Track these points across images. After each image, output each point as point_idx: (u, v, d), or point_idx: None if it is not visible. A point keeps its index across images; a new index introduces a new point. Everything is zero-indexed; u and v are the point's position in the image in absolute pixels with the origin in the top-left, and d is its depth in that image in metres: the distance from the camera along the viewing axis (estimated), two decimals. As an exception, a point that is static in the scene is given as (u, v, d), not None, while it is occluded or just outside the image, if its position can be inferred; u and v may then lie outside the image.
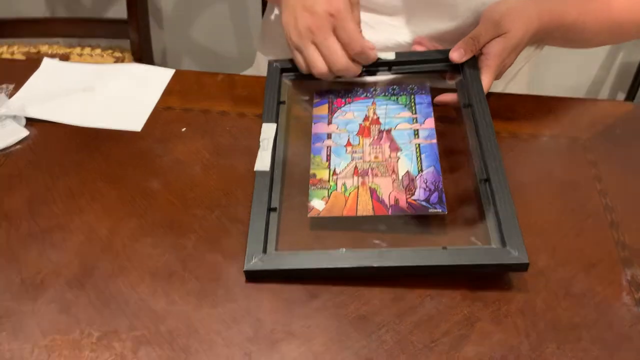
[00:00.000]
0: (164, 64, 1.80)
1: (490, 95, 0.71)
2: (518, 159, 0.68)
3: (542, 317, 0.52)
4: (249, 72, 1.02)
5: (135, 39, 1.42)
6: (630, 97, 1.64)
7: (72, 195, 0.62)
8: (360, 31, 0.67)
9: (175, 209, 0.61)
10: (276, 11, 0.89)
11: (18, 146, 0.68)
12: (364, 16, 0.76)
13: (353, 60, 0.66)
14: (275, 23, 0.88)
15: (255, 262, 0.54)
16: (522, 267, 0.54)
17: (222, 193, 0.63)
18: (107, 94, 0.76)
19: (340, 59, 0.65)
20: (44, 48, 1.46)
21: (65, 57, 1.44)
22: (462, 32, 0.72)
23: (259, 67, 0.93)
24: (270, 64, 0.72)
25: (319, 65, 0.66)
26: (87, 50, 1.46)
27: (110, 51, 1.46)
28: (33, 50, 1.45)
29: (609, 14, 0.76)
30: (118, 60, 1.44)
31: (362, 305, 0.53)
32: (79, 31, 1.47)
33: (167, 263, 0.56)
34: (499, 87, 0.84)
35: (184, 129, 0.71)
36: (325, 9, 0.63)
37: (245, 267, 0.54)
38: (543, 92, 0.84)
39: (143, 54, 1.45)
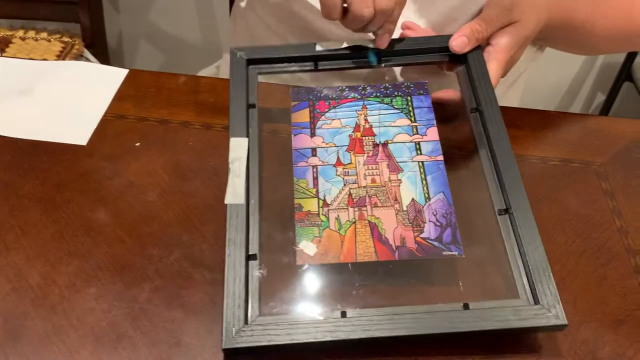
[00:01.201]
0: (118, 50, 1.67)
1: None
2: (526, 187, 0.59)
3: (568, 391, 0.44)
4: (213, 67, 0.91)
5: (86, 23, 1.31)
6: (610, 99, 1.60)
7: (-3, 229, 0.51)
8: None
9: (125, 249, 0.51)
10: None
11: None
12: None
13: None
14: (247, 10, 0.78)
15: (237, 337, 0.44)
16: (559, 328, 0.46)
17: (184, 228, 0.52)
18: (47, 98, 0.64)
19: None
20: (-18, 30, 1.31)
21: (6, 41, 1.30)
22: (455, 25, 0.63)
23: (226, 66, 0.83)
24: (233, 53, 0.60)
25: None
26: (32, 33, 1.33)
27: (58, 35, 1.33)
28: (-31, 32, 1.31)
29: (621, 18, 0.68)
30: (66, 45, 1.30)
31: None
32: (23, 12, 1.34)
33: (114, 321, 0.46)
34: (497, 93, 0.76)
35: (138, 144, 0.60)
36: None
37: (224, 345, 0.43)
38: (524, 90, 0.78)
39: (95, 40, 1.34)
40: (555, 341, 0.47)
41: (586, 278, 0.52)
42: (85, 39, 1.32)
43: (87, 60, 1.33)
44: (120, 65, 0.70)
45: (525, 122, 0.67)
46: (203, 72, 0.91)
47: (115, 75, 0.67)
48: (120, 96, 0.65)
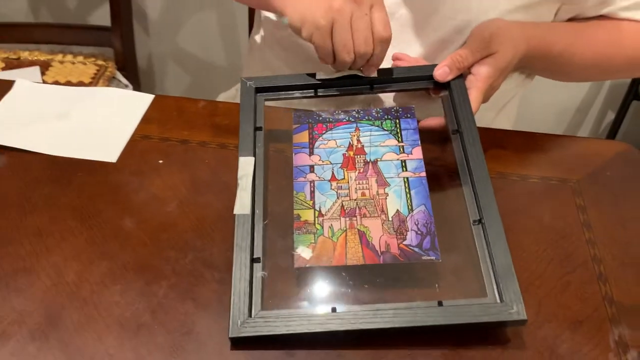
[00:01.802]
0: (148, 71, 1.76)
1: (478, 128, 0.68)
2: (505, 201, 0.65)
3: (526, 380, 0.50)
4: (235, 89, 0.99)
5: (118, 47, 1.40)
6: (619, 118, 1.63)
7: (40, 235, 0.59)
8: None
9: (147, 251, 0.59)
10: (262, 32, 0.86)
11: (-15, 177, 0.65)
12: None
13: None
14: (262, 44, 0.86)
15: (241, 328, 0.51)
16: (520, 323, 0.52)
17: (197, 234, 0.60)
18: (82, 120, 0.73)
19: (361, 42, 0.60)
20: (25, 54, 1.42)
21: (46, 64, 1.40)
22: (446, 52, 0.70)
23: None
24: (243, 82, 0.67)
25: (349, 45, 0.60)
26: (69, 57, 1.43)
27: (92, 59, 1.42)
28: (13, 56, 1.42)
29: (600, 49, 0.74)
30: (100, 68, 1.40)
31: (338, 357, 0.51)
32: (61, 38, 1.44)
33: (136, 313, 0.53)
34: (489, 117, 0.82)
35: (161, 161, 0.68)
36: None
37: (231, 334, 0.51)
38: (530, 110, 0.83)
39: (127, 63, 1.43)
40: (519, 338, 0.53)
41: (552, 283, 0.58)
42: (117, 62, 1.42)
43: (119, 81, 1.43)
44: (150, 85, 0.78)
45: (511, 143, 0.73)
46: (224, 94, 0.99)
47: (142, 101, 0.76)
48: (146, 119, 0.73)
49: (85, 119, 0.73)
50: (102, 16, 1.59)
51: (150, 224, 0.61)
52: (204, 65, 1.73)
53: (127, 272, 0.57)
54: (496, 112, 0.83)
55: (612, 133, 1.66)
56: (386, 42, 0.62)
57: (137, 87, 1.54)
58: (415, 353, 0.52)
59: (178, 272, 0.57)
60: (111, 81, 1.40)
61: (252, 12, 1.17)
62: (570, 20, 0.75)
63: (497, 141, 0.73)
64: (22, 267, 0.56)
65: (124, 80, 1.43)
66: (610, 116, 1.72)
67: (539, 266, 0.59)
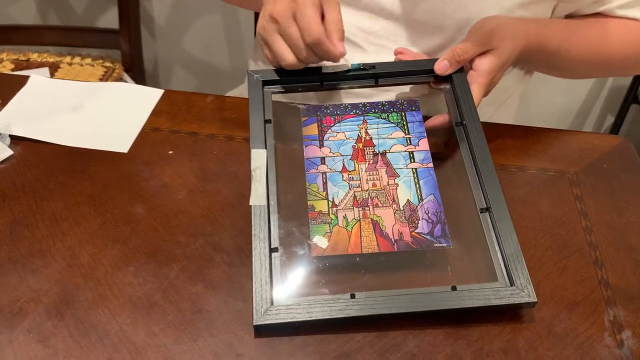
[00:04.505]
0: (155, 74, 1.79)
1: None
2: (505, 192, 0.67)
3: (525, 358, 0.52)
4: (240, 88, 1.01)
5: (126, 50, 1.42)
6: (618, 120, 1.65)
7: (55, 219, 0.61)
8: (337, 22, 0.63)
9: (158, 236, 0.61)
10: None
11: (1, 165, 0.67)
12: (352, 36, 0.76)
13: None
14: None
15: (265, 316, 0.52)
16: (531, 305, 0.54)
17: (207, 220, 0.62)
18: (94, 113, 0.75)
19: (297, 49, 0.62)
20: (34, 56, 1.45)
21: (54, 66, 1.43)
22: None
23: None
24: (250, 75, 0.69)
25: (287, 57, 0.63)
26: (77, 59, 1.45)
27: (100, 61, 1.45)
28: (22, 58, 1.44)
29: (596, 45, 0.76)
30: (108, 70, 1.43)
31: (345, 342, 0.53)
32: (70, 40, 1.47)
33: (148, 293, 0.56)
34: (489, 113, 0.84)
35: (171, 152, 0.70)
36: None
37: (255, 322, 0.52)
38: (532, 111, 0.84)
39: (134, 64, 1.45)
40: (518, 318, 0.55)
41: (549, 267, 0.60)
42: (124, 64, 1.45)
43: (126, 82, 1.45)
44: (156, 87, 0.80)
45: (510, 136, 0.76)
46: (233, 92, 1.01)
47: (153, 95, 0.78)
48: (156, 112, 0.76)
49: (98, 111, 0.75)
50: (109, 19, 1.62)
51: (161, 211, 0.63)
52: (208, 68, 1.76)
53: (139, 255, 0.59)
54: (495, 108, 0.85)
55: (612, 135, 1.67)
56: (315, 43, 0.61)
57: (144, 89, 1.56)
58: (417, 332, 0.53)
59: (189, 255, 0.59)
60: (118, 82, 1.42)
61: (257, 15, 1.19)
62: (568, 17, 0.77)
63: (497, 134, 0.75)
64: (38, 249, 0.58)
65: (131, 82, 1.45)
66: (610, 120, 1.74)
67: (537, 252, 0.61)
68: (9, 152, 0.68)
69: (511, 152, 0.73)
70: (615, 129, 1.67)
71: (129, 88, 0.80)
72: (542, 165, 0.72)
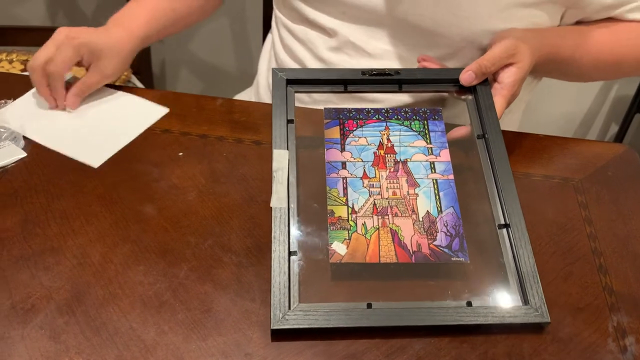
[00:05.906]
0: (162, 76, 1.80)
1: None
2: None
3: (529, 362, 0.53)
4: (247, 91, 1.02)
5: (134, 52, 1.42)
6: (622, 129, 1.66)
7: (66, 218, 0.62)
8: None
9: (168, 236, 0.61)
10: (277, 34, 0.89)
11: (14, 164, 0.68)
12: (364, 43, 0.76)
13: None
14: (278, 50, 0.89)
15: (282, 320, 0.52)
16: (543, 325, 0.55)
17: (216, 221, 0.63)
18: (91, 120, 0.75)
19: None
20: (43, 57, 1.45)
21: (64, 67, 1.43)
22: (456, 60, 0.73)
23: (258, 88, 0.94)
24: (274, 73, 0.68)
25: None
26: (86, 60, 1.46)
27: (109, 63, 1.46)
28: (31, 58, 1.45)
29: (608, 49, 0.77)
30: (117, 72, 1.44)
31: (352, 344, 0.53)
32: (79, 41, 1.47)
33: (158, 292, 0.56)
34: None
35: (181, 154, 0.71)
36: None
37: (272, 326, 0.52)
38: (536, 120, 0.85)
39: (141, 67, 1.46)
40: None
41: (554, 273, 0.61)
42: (132, 66, 1.44)
43: (134, 85, 1.46)
44: (163, 89, 0.80)
45: (516, 143, 0.76)
46: (240, 95, 1.02)
47: (156, 112, 0.77)
48: (167, 114, 0.77)
49: (96, 119, 0.75)
50: (118, 22, 1.63)
51: (171, 211, 0.64)
52: (215, 71, 1.77)
53: (149, 254, 0.60)
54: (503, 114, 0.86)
55: (616, 145, 1.68)
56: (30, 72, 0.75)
57: (151, 91, 1.57)
58: (423, 334, 0.54)
59: (198, 255, 0.60)
60: (126, 84, 1.43)
61: (266, 18, 1.20)
62: (578, 23, 0.78)
63: (505, 143, 0.76)
64: (49, 247, 0.59)
65: (139, 84, 1.46)
66: (614, 128, 1.74)
67: (542, 257, 0.62)
68: (21, 154, 0.69)
69: (516, 159, 0.74)
70: (619, 137, 1.68)
71: (136, 101, 0.79)
72: (547, 172, 0.73)
